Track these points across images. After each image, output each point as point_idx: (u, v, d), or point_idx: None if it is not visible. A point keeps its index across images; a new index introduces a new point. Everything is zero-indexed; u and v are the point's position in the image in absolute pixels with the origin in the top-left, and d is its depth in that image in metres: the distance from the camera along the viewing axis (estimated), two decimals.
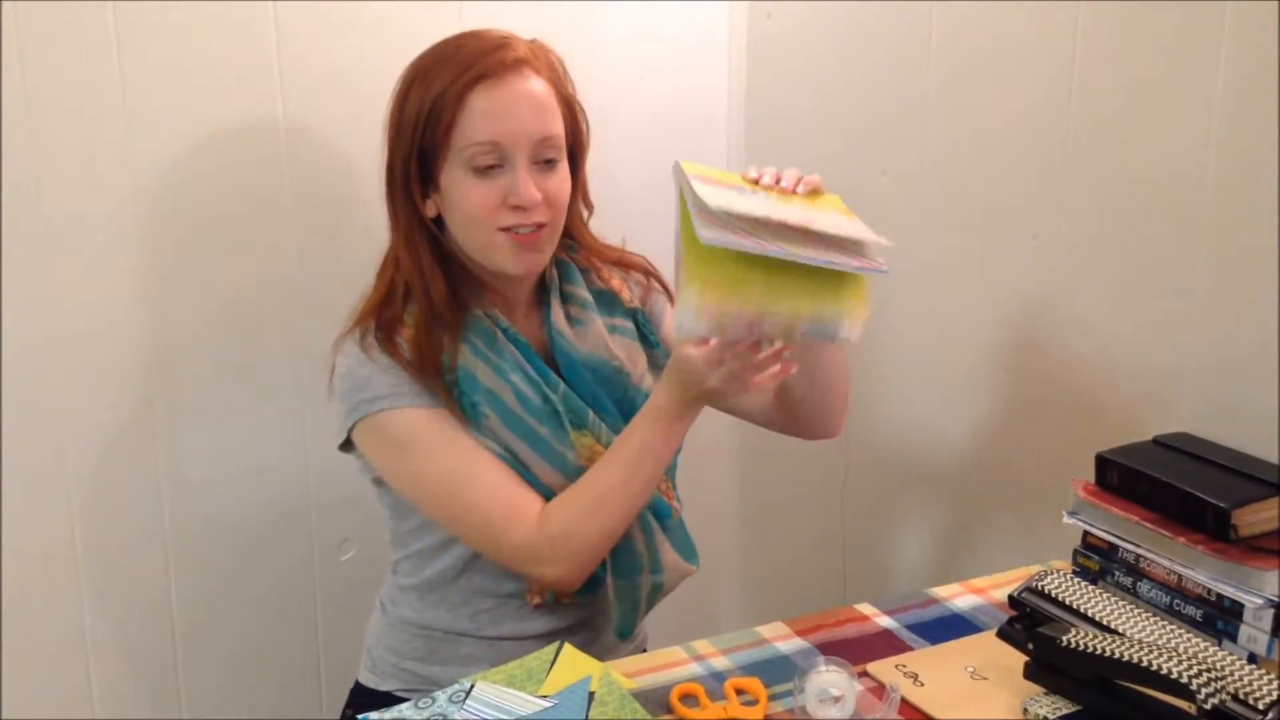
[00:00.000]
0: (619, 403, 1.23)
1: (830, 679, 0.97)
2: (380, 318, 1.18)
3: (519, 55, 1.14)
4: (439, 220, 1.19)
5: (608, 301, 1.28)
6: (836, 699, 0.97)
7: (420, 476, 1.17)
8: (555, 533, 1.13)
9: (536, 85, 1.15)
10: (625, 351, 1.25)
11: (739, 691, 1.01)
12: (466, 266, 1.21)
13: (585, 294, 1.26)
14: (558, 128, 1.17)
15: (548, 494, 1.17)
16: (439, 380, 1.15)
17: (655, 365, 1.28)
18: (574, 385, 1.22)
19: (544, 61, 1.17)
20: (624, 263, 1.32)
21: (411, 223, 1.18)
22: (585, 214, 1.29)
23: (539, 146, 1.15)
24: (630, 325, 1.28)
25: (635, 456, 1.13)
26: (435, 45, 1.18)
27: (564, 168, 1.19)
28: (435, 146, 1.14)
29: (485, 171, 1.14)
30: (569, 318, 1.24)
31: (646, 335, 1.29)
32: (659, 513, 1.23)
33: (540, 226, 1.16)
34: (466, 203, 1.15)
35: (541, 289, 1.25)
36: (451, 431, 1.15)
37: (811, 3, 1.64)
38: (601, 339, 1.24)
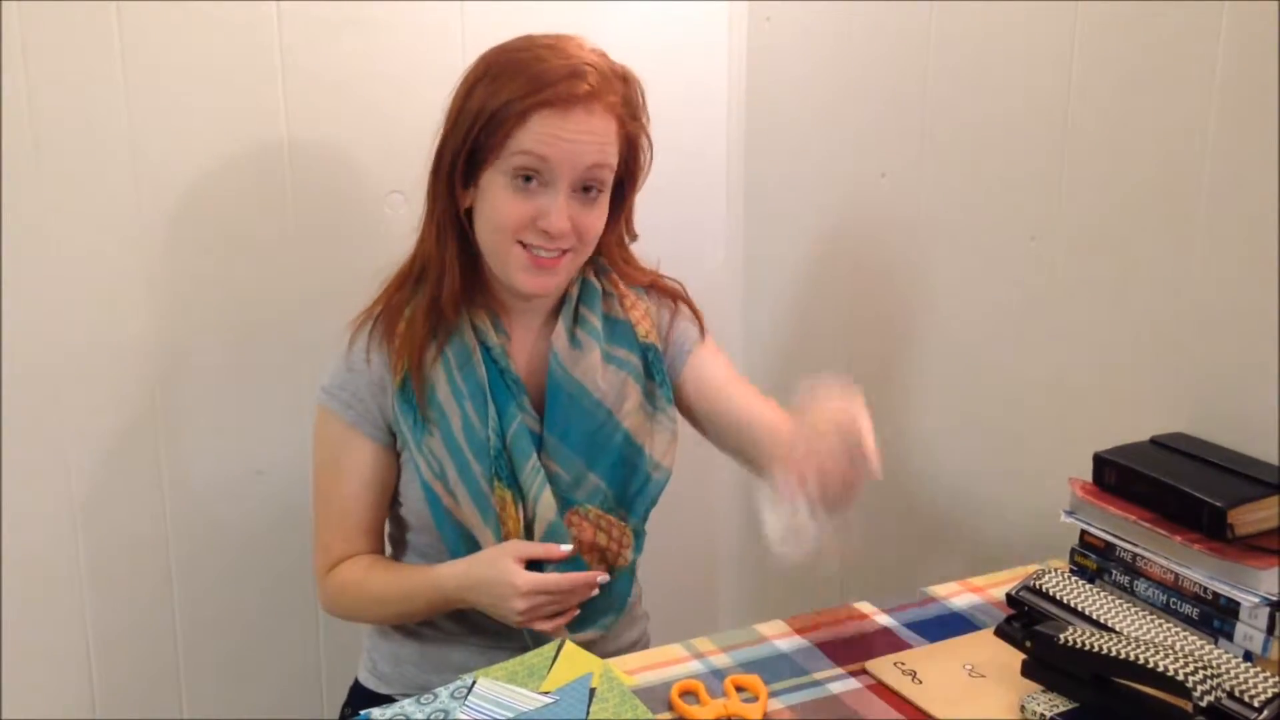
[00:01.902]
0: (590, 436, 1.21)
1: (787, 512, 0.96)
2: (390, 302, 1.20)
3: (591, 88, 1.11)
4: (469, 214, 1.18)
5: (619, 331, 1.25)
6: (797, 533, 0.96)
7: (316, 473, 1.25)
8: (332, 591, 1.24)
9: (601, 121, 1.13)
10: (614, 385, 1.22)
11: (739, 688, 1.02)
12: (490, 268, 1.20)
13: (596, 319, 1.24)
14: (610, 159, 1.15)
15: (460, 532, 1.18)
16: (418, 373, 1.17)
17: (654, 404, 1.25)
18: (551, 408, 1.20)
19: (619, 96, 1.15)
20: (657, 287, 1.30)
21: (447, 211, 1.17)
22: (627, 239, 1.28)
23: (585, 173, 1.13)
24: (634, 359, 1.25)
25: (408, 600, 1.20)
26: (516, 44, 1.15)
27: (604, 200, 1.17)
28: (487, 149, 1.13)
29: (525, 185, 1.12)
30: (572, 339, 1.22)
31: (653, 373, 1.26)
32: None
33: (563, 253, 1.15)
34: (497, 210, 1.14)
35: (560, 305, 1.24)
36: (350, 460, 1.21)
37: (811, 4, 1.65)
38: (593, 368, 1.21)
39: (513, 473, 1.18)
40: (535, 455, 1.18)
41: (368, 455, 1.21)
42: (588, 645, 1.13)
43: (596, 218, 1.17)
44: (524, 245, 1.14)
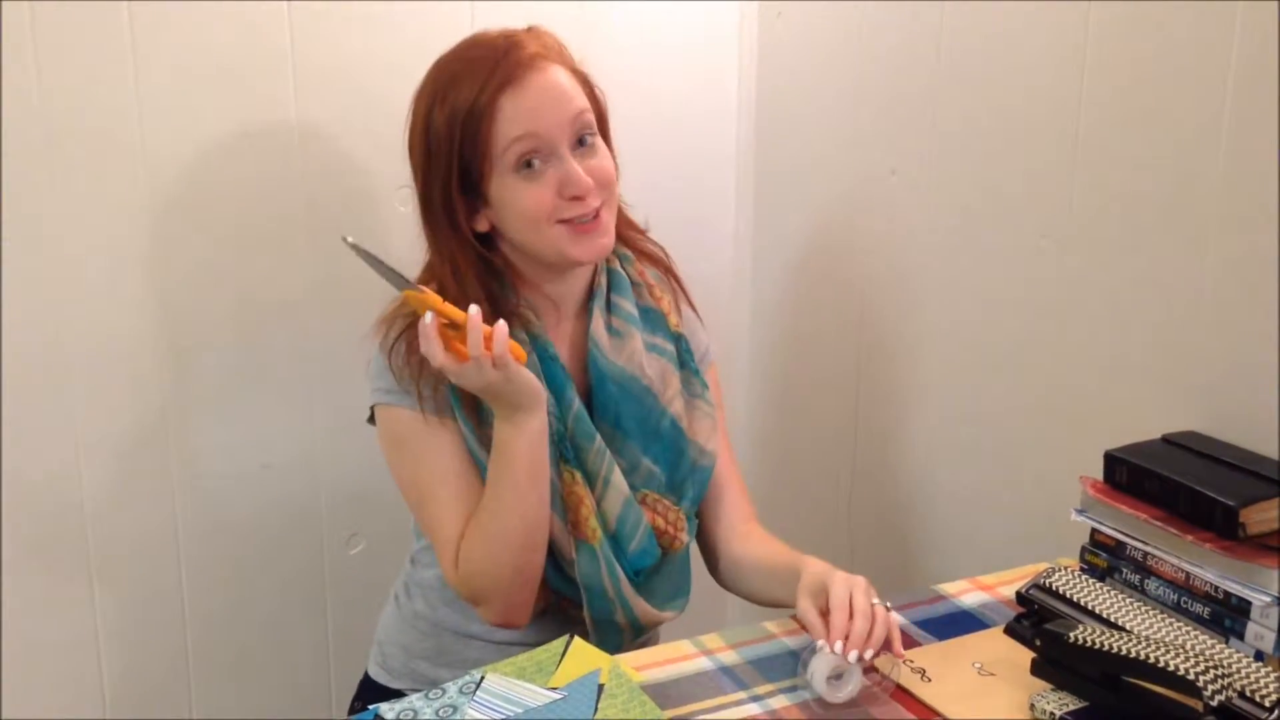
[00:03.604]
0: (642, 422, 1.22)
1: (834, 659, 0.98)
2: (413, 322, 1.17)
3: (531, 51, 1.13)
4: (488, 236, 1.18)
5: (653, 319, 1.26)
6: (839, 677, 0.98)
7: (402, 476, 1.20)
8: (466, 574, 1.15)
9: (556, 74, 1.14)
10: (658, 371, 1.24)
11: None
12: (519, 272, 1.20)
13: (631, 308, 1.25)
14: (585, 102, 1.16)
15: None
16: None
17: (690, 391, 1.27)
18: (599, 399, 1.21)
19: (553, 49, 1.17)
20: (644, 251, 1.31)
21: (454, 248, 1.16)
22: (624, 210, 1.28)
23: (574, 125, 1.14)
24: (671, 347, 1.27)
25: (499, 487, 1.12)
26: (442, 63, 1.16)
27: (602, 144, 1.18)
28: (475, 160, 1.12)
29: (532, 170, 1.13)
30: (610, 328, 1.23)
31: (686, 361, 1.28)
32: (635, 562, 1.21)
33: (598, 211, 1.15)
34: (522, 206, 1.13)
35: (590, 296, 1.24)
36: (437, 444, 1.16)
37: (821, 2, 1.64)
38: (637, 355, 1.22)
39: (578, 456, 1.18)
40: (598, 438, 1.19)
41: (459, 438, 1.17)
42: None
43: (604, 159, 1.17)
44: (563, 223, 1.14)
